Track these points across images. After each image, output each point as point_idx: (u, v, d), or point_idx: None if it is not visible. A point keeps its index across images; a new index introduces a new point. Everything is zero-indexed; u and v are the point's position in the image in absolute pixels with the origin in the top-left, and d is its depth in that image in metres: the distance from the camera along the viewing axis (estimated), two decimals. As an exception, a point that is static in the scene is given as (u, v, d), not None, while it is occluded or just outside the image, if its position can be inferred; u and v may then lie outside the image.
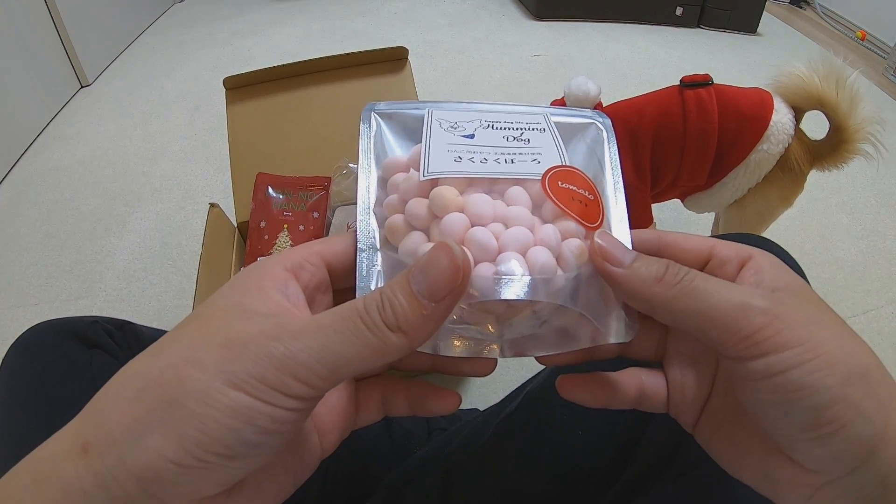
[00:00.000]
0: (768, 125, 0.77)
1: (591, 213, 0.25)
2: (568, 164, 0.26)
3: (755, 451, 0.23)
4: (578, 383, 0.27)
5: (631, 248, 0.26)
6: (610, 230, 0.27)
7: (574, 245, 0.24)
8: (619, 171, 0.29)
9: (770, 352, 0.20)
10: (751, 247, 0.25)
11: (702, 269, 0.25)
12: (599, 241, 0.24)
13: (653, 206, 0.93)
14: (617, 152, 0.29)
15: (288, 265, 0.23)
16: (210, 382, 0.18)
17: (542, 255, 0.23)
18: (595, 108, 0.86)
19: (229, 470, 0.19)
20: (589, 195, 0.26)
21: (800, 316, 0.21)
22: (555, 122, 0.29)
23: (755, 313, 0.21)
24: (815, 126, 0.82)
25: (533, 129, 0.28)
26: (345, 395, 0.26)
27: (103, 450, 0.18)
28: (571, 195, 0.25)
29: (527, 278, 0.22)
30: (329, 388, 0.20)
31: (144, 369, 0.20)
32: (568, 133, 0.29)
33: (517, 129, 0.28)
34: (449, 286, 0.20)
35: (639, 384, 0.27)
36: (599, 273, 0.24)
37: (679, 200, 0.96)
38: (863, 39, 1.98)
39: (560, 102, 0.89)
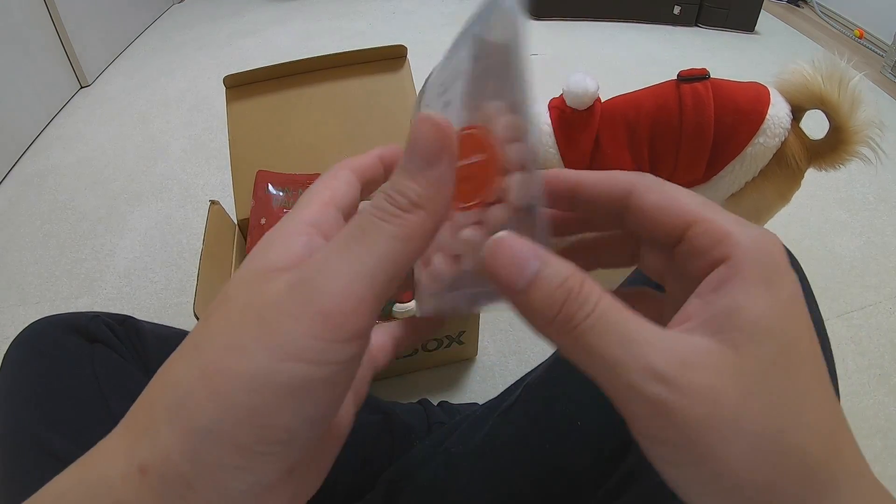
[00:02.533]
0: (764, 118, 0.78)
1: (483, 178, 0.22)
2: (468, 124, 0.22)
3: None
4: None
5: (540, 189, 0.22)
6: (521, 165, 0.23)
7: (468, 237, 0.22)
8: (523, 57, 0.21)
9: (652, 442, 0.18)
10: (746, 238, 0.19)
11: (672, 245, 0.21)
12: (491, 258, 0.19)
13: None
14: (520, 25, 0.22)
15: (308, 220, 0.21)
16: (259, 363, 0.17)
17: (437, 265, 0.23)
18: (594, 104, 0.86)
19: (290, 456, 0.18)
20: (481, 155, 0.22)
21: (703, 412, 0.17)
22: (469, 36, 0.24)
23: (642, 404, 0.17)
24: (815, 126, 0.82)
25: (455, 79, 0.25)
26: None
27: (163, 470, 0.17)
28: (464, 174, 0.21)
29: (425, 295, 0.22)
30: (375, 309, 0.18)
31: (185, 372, 0.18)
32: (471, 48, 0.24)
33: (445, 83, 0.25)
34: (439, 145, 0.19)
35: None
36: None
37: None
38: (861, 38, 1.98)
39: (559, 100, 0.90)
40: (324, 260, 0.18)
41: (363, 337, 0.18)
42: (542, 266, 0.18)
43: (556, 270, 0.18)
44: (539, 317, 0.19)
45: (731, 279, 0.18)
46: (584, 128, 0.86)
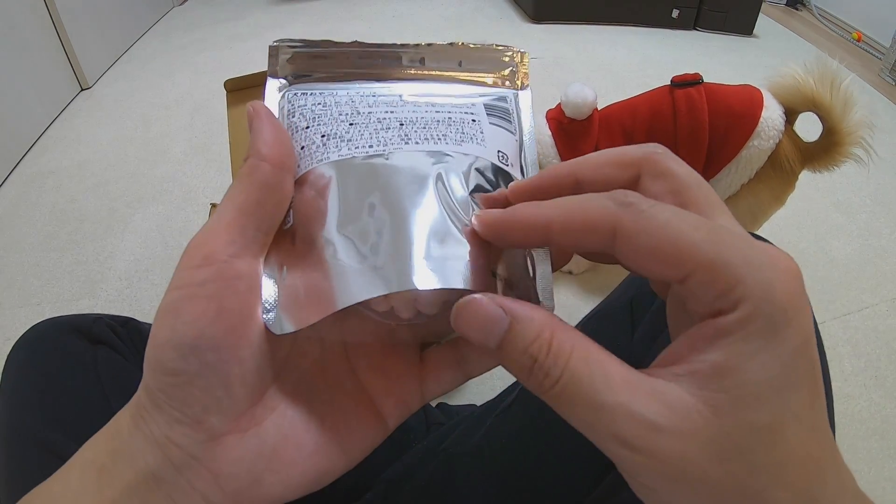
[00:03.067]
0: (758, 121, 0.79)
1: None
2: None
3: None
4: None
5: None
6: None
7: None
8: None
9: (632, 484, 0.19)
10: (754, 289, 0.17)
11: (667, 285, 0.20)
12: (459, 319, 0.20)
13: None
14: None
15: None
16: (163, 301, 0.21)
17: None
18: (592, 113, 0.87)
19: (199, 385, 0.20)
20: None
21: (671, 473, 0.17)
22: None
23: (616, 459, 0.18)
24: (810, 127, 0.83)
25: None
26: (403, 352, 0.25)
27: (135, 398, 0.21)
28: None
29: None
30: (227, 237, 0.21)
31: None
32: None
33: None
34: (249, 118, 0.24)
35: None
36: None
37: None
38: (858, 41, 1.99)
39: (556, 111, 0.90)
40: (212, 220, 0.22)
41: (212, 262, 0.21)
42: (511, 323, 0.19)
43: (523, 330, 0.19)
44: (516, 375, 0.19)
45: (731, 334, 0.17)
46: (584, 137, 0.87)
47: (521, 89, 0.30)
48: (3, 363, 0.48)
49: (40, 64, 1.52)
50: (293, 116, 0.26)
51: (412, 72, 0.28)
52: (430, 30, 2.03)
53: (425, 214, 0.22)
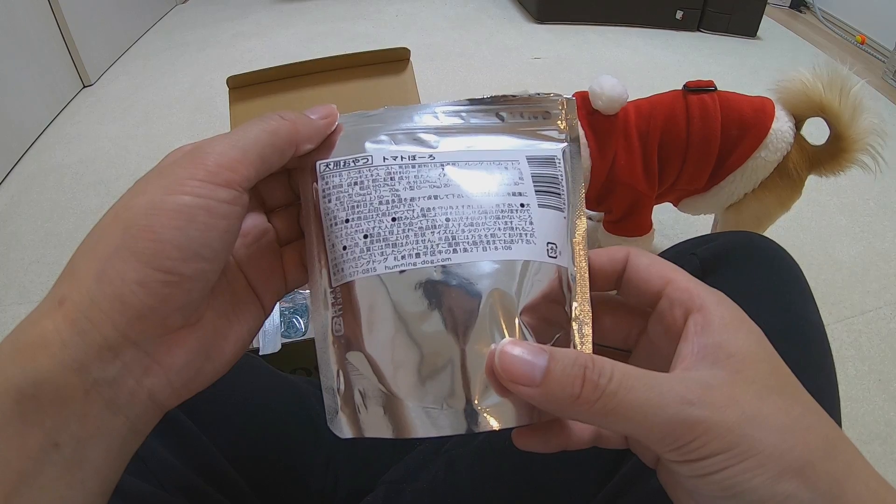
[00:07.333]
0: (768, 132, 0.78)
1: None
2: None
3: None
4: (531, 433, 0.27)
5: (589, 273, 0.27)
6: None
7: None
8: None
9: (698, 458, 0.20)
10: (709, 294, 0.24)
11: (654, 303, 0.25)
12: (499, 362, 0.22)
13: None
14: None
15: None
16: (153, 197, 0.21)
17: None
18: (619, 111, 0.82)
19: (185, 287, 0.21)
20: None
21: (734, 416, 0.20)
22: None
23: (684, 429, 0.20)
24: (817, 131, 0.82)
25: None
26: (272, 259, 0.29)
27: (77, 298, 0.20)
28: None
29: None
30: (247, 174, 0.23)
31: (99, 224, 0.22)
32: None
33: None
34: (322, 113, 0.27)
35: (594, 428, 0.27)
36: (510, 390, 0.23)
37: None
38: (862, 43, 1.99)
39: (583, 94, 0.84)
40: (214, 138, 0.24)
41: (235, 187, 0.23)
42: (550, 357, 0.21)
43: (563, 355, 0.21)
44: (563, 399, 0.21)
45: (710, 323, 0.23)
46: (610, 136, 0.82)
47: (570, 141, 0.28)
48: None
49: (43, 60, 1.51)
50: (329, 201, 0.26)
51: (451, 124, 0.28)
52: (433, 30, 2.03)
53: (476, 346, 0.23)
